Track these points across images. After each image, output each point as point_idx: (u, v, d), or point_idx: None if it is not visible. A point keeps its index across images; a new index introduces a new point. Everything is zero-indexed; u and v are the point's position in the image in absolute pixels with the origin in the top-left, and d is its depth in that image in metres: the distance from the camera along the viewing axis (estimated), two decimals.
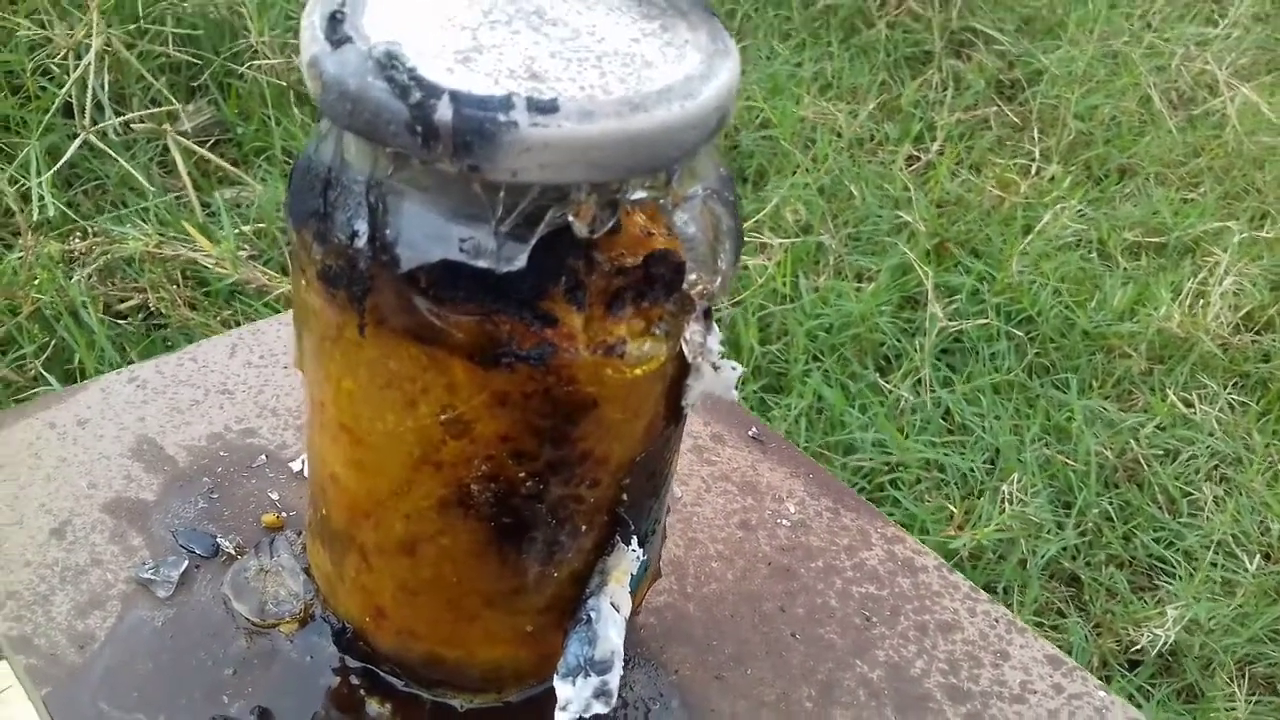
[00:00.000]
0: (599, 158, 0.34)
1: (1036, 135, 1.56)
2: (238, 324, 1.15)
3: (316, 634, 0.50)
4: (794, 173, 1.47)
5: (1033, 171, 1.51)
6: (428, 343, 0.37)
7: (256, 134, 1.44)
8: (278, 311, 1.15)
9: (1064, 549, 1.07)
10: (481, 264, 0.36)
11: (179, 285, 1.16)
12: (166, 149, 1.37)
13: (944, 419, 1.19)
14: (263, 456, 0.57)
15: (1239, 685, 0.95)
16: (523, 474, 0.40)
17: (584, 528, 0.43)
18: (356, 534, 0.44)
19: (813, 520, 0.59)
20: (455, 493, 0.40)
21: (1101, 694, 0.54)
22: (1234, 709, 0.93)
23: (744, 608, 0.55)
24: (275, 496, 0.56)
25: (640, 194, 0.37)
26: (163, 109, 1.39)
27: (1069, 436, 1.17)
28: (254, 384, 0.61)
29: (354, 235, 0.36)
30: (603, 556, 0.45)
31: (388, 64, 0.33)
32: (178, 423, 0.58)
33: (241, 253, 1.20)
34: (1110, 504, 1.12)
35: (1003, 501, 1.07)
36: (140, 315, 1.18)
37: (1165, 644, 0.96)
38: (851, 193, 1.44)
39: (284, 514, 0.55)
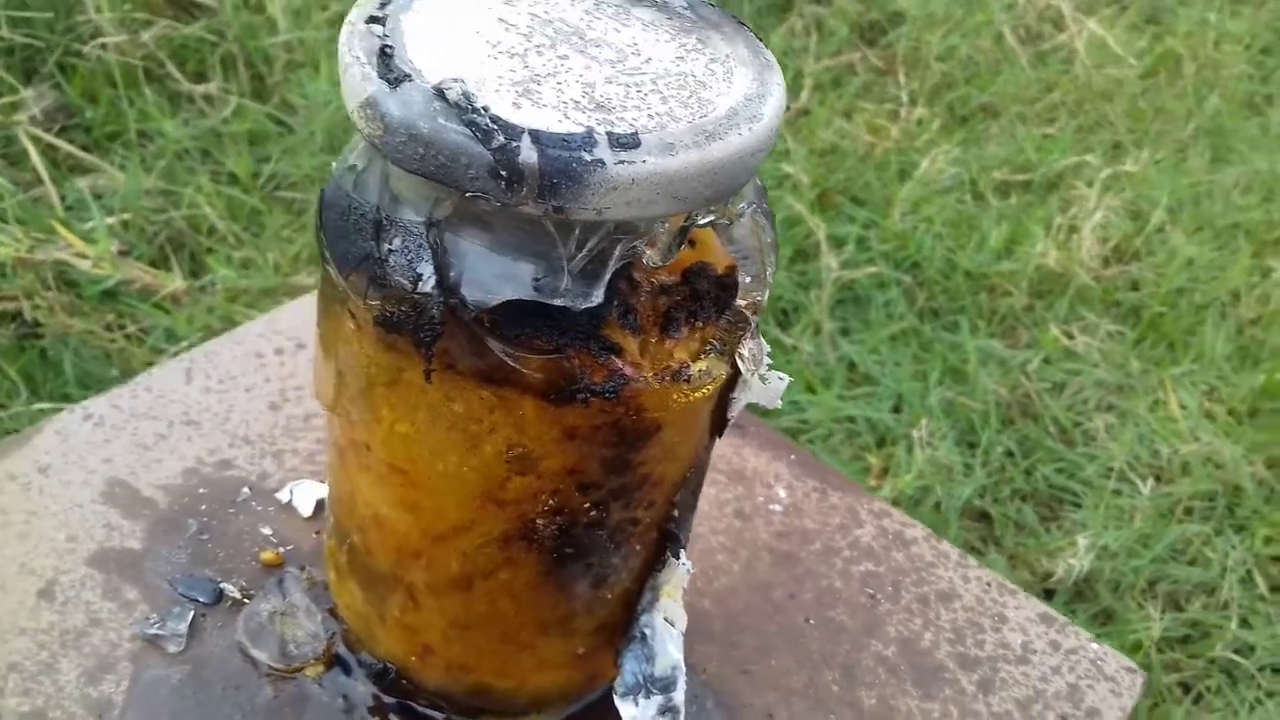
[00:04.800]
0: (681, 190, 0.33)
1: (903, 79, 1.59)
2: (122, 328, 1.09)
3: (344, 673, 0.48)
4: None
5: (901, 116, 1.55)
6: (498, 384, 0.36)
7: (107, 117, 1.35)
8: (166, 311, 1.09)
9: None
10: (558, 302, 0.35)
11: (54, 290, 1.09)
12: (8, 140, 1.28)
13: (849, 370, 1.22)
14: (245, 489, 0.55)
15: (1152, 605, 1.01)
16: (587, 504, 0.39)
17: (638, 548, 0.43)
18: (404, 574, 0.42)
19: (803, 502, 0.60)
20: (519, 528, 0.40)
21: (1094, 646, 0.56)
22: (1149, 627, 0.99)
23: (756, 598, 0.55)
24: (268, 531, 0.53)
25: (708, 218, 0.36)
26: (4, 99, 1.30)
27: (966, 378, 1.22)
28: (218, 411, 0.58)
29: (418, 279, 0.35)
30: (653, 573, 0.44)
31: (467, 107, 0.32)
32: (146, 460, 0.55)
33: (112, 248, 1.14)
34: (1010, 440, 1.17)
35: (913, 448, 1.11)
36: (13, 325, 1.10)
37: (1080, 573, 1.02)
38: None
39: (281, 549, 0.53)
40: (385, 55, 0.33)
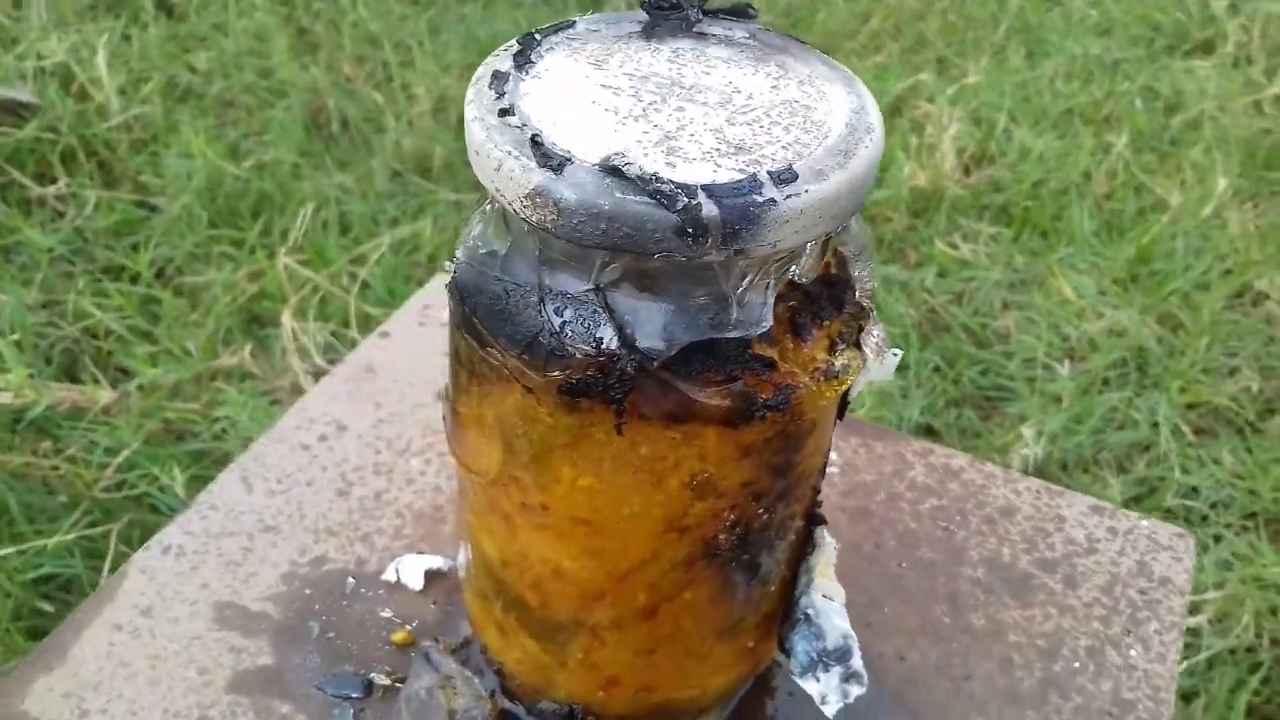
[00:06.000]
0: (834, 209, 0.36)
1: None
2: (60, 453, 1.05)
3: None
4: None
5: None
6: (682, 421, 0.38)
7: None
8: (104, 425, 1.06)
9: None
10: (734, 334, 0.37)
11: None
12: None
13: None
14: (350, 579, 0.55)
15: (1109, 474, 1.10)
16: (760, 510, 0.42)
17: (793, 538, 0.46)
18: (587, 617, 0.44)
19: (854, 459, 0.64)
20: (702, 548, 0.42)
21: (1145, 523, 0.62)
22: (1109, 494, 1.07)
23: (849, 557, 0.59)
24: (388, 614, 0.54)
25: (844, 226, 0.39)
26: None
27: (878, 307, 1.28)
28: (290, 511, 0.58)
29: (599, 343, 0.37)
30: (805, 557, 0.47)
31: (649, 177, 0.34)
32: (242, 576, 0.55)
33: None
34: (934, 356, 1.24)
35: None
36: None
37: (1037, 460, 1.09)
38: None
39: (408, 626, 0.54)
40: (537, 144, 0.35)
